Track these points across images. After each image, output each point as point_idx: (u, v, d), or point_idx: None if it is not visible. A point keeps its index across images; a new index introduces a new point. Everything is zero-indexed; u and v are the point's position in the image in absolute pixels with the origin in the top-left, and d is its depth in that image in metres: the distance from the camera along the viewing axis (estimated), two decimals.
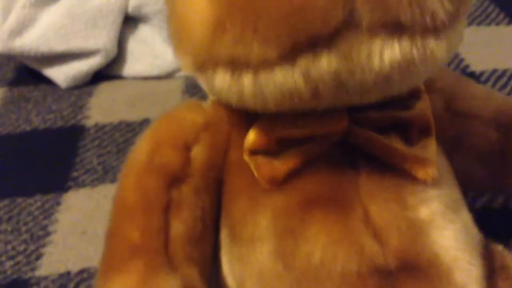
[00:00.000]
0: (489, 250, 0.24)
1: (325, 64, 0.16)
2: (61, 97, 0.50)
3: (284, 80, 0.16)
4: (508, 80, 0.47)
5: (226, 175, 0.22)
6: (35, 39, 0.50)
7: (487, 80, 0.47)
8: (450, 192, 0.22)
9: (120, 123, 0.46)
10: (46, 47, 0.50)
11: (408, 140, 0.21)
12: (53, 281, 0.32)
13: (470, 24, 0.56)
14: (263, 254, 0.20)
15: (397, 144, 0.20)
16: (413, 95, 0.21)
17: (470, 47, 0.50)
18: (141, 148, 0.22)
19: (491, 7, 0.59)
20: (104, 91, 0.50)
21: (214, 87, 0.18)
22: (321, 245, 0.19)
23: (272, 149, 0.20)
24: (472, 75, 0.48)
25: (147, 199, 0.21)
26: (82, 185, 0.39)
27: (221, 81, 0.17)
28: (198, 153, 0.22)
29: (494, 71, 0.48)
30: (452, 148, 0.25)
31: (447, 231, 0.20)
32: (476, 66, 0.49)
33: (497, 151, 0.26)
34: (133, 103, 0.48)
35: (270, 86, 0.17)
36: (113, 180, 0.39)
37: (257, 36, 0.15)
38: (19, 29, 0.50)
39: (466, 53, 0.50)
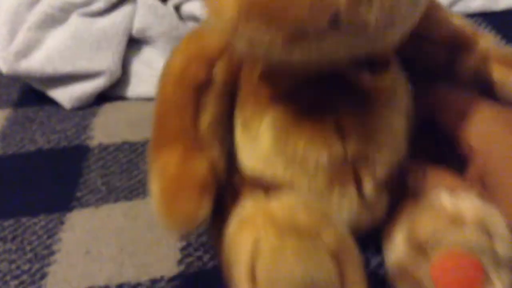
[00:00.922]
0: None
1: (313, 50, 0.22)
2: (65, 117, 0.50)
3: (286, 55, 0.23)
4: None
5: (240, 84, 0.30)
6: (40, 60, 0.51)
7: None
8: (402, 108, 0.30)
9: (123, 143, 0.46)
10: (51, 68, 0.51)
11: (374, 70, 0.27)
12: None
13: None
14: (264, 142, 0.29)
15: (364, 73, 0.27)
16: None
17: None
18: (174, 64, 0.30)
19: (488, 28, 0.61)
20: (108, 112, 0.51)
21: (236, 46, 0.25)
22: (304, 141, 0.28)
23: (273, 78, 0.28)
24: None
25: (184, 101, 0.29)
26: (86, 204, 0.40)
27: (240, 46, 0.24)
28: (220, 68, 0.29)
29: None
30: (413, 64, 0.32)
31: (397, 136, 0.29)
32: None
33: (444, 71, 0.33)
34: (136, 124, 0.49)
35: (277, 56, 0.23)
36: (116, 200, 0.40)
37: (270, 28, 0.21)
38: (25, 51, 0.51)
39: None
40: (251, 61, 0.29)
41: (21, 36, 0.52)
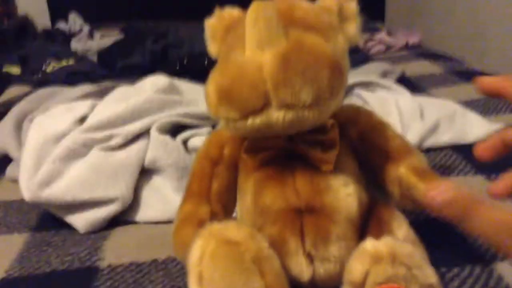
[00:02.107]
0: (374, 206, 0.43)
1: (258, 121, 0.35)
2: (79, 241, 0.54)
3: (244, 126, 0.36)
4: None
5: (239, 162, 0.45)
6: (61, 189, 0.56)
7: None
8: (343, 177, 0.41)
9: (131, 264, 0.50)
10: (70, 196, 0.56)
11: (324, 150, 0.40)
12: None
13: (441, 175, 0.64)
14: (248, 199, 0.42)
15: (316, 152, 0.40)
16: (330, 127, 0.40)
17: None
18: (201, 148, 0.47)
19: (459, 159, 0.68)
20: (118, 235, 0.55)
21: (221, 127, 0.42)
22: (269, 196, 0.40)
23: (253, 152, 0.41)
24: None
25: (203, 171, 0.45)
26: None
27: (222, 126, 0.38)
28: (227, 150, 0.45)
29: None
30: (362, 159, 0.45)
31: (337, 194, 0.40)
32: None
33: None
34: (144, 246, 0.53)
35: (241, 129, 0.36)
36: None
37: (231, 110, 0.36)
38: (48, 181, 0.57)
39: None
40: (239, 141, 0.44)
41: (45, 168, 0.58)
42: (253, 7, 0.35)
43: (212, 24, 0.45)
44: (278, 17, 0.35)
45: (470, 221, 0.31)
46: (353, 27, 0.42)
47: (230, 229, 0.36)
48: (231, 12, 0.45)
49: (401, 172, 0.42)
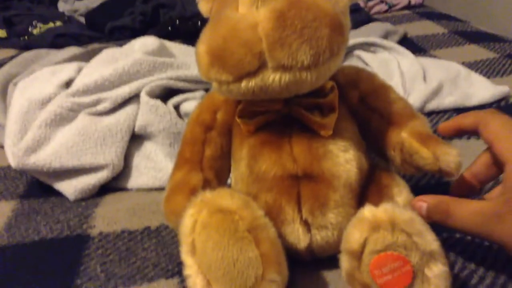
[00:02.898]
0: (374, 171, 0.42)
1: (253, 84, 0.33)
2: (68, 208, 0.53)
3: (237, 89, 0.34)
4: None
5: (233, 127, 0.43)
6: (48, 156, 0.54)
7: None
8: (343, 142, 0.39)
9: (123, 231, 0.48)
10: (58, 163, 0.54)
11: (323, 114, 0.38)
12: None
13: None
14: (242, 166, 0.40)
15: (315, 116, 0.38)
16: (329, 90, 0.38)
17: None
18: (193, 113, 0.44)
19: None
20: (109, 202, 0.54)
21: (214, 90, 0.37)
22: (265, 162, 0.38)
23: (247, 117, 0.39)
24: (447, 183, 0.52)
25: (195, 137, 0.43)
26: None
27: (215, 89, 0.35)
28: (220, 115, 0.43)
29: None
30: (363, 123, 0.43)
31: (336, 160, 0.38)
32: None
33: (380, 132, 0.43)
34: (136, 213, 0.51)
35: (235, 92, 0.34)
36: (115, 287, 0.41)
37: (224, 72, 0.33)
38: (34, 147, 0.55)
39: None
40: (232, 104, 0.42)
41: (31, 133, 0.56)
42: None
43: None
44: None
45: (452, 219, 0.35)
46: None
47: (223, 197, 0.34)
48: None
49: (403, 136, 0.40)
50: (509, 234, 0.32)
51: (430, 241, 0.32)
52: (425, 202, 0.36)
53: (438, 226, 0.35)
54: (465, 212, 0.34)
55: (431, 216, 0.36)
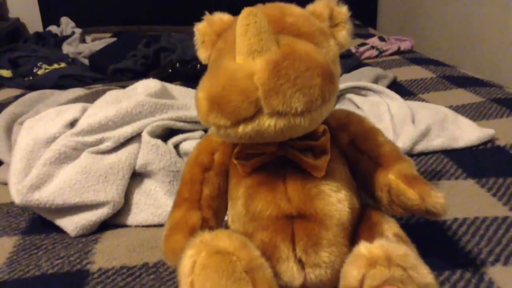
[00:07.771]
0: (365, 210, 0.43)
1: (250, 129, 0.35)
2: (69, 244, 0.54)
3: (235, 133, 0.36)
4: (468, 228, 0.53)
5: (229, 168, 0.45)
6: (51, 193, 0.56)
7: (449, 228, 0.54)
8: (335, 182, 0.41)
9: (122, 267, 0.50)
10: (61, 200, 0.56)
11: (316, 156, 0.41)
12: None
13: (432, 179, 0.64)
14: (239, 205, 0.42)
15: (308, 158, 0.40)
16: (321, 133, 0.41)
17: None
18: (191, 154, 0.46)
19: (450, 163, 0.68)
20: (109, 239, 0.55)
21: (212, 132, 0.38)
22: (261, 202, 0.40)
23: (244, 158, 0.41)
24: (436, 222, 0.54)
25: (193, 177, 0.45)
26: None
27: (213, 132, 0.37)
28: (217, 156, 0.45)
29: (455, 219, 0.55)
30: (353, 164, 0.45)
31: (328, 200, 0.40)
32: None
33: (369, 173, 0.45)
34: (135, 249, 0.52)
35: (232, 136, 0.36)
36: None
37: (222, 117, 0.35)
38: (38, 184, 0.57)
39: None
40: (229, 146, 0.44)
41: (35, 171, 0.57)
42: (243, 14, 0.35)
43: (201, 28, 0.45)
44: (269, 23, 0.35)
45: None
46: (344, 33, 0.42)
47: (221, 239, 0.36)
48: (221, 17, 0.45)
49: (391, 178, 0.42)
50: None
51: (425, 274, 0.34)
52: None
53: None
54: None
55: None
